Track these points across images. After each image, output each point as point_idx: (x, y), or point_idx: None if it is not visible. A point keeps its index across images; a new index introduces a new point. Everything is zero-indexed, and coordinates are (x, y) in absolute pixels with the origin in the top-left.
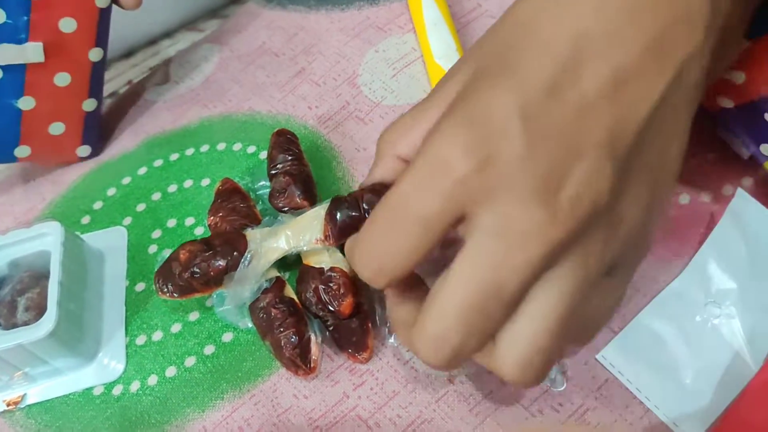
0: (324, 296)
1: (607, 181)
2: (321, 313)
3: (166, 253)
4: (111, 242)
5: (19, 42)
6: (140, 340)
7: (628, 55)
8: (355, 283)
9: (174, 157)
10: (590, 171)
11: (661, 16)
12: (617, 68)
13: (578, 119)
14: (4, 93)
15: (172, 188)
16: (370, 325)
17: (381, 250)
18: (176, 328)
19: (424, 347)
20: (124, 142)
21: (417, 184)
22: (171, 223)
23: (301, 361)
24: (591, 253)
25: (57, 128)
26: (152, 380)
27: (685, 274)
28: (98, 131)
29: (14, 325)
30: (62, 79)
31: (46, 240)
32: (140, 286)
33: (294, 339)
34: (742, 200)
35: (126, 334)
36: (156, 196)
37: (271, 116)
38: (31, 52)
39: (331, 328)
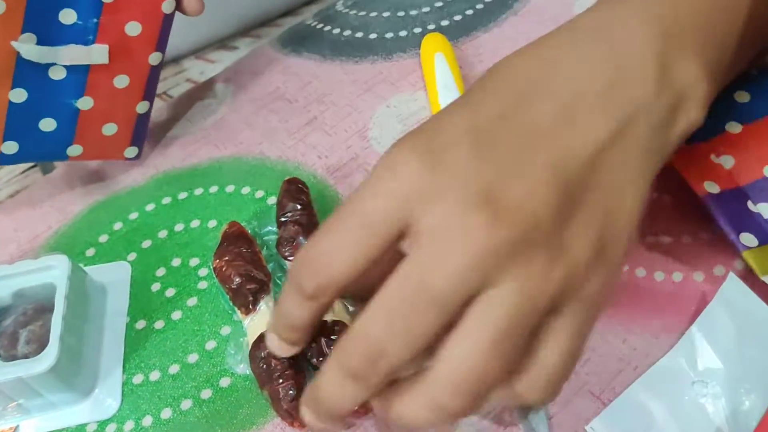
0: (326, 349)
1: (550, 196)
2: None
3: (169, 292)
4: (114, 277)
5: (87, 43)
6: (137, 378)
7: (580, 96)
8: None
9: (182, 195)
10: (535, 184)
11: (611, 69)
12: (567, 105)
13: (527, 139)
14: (65, 92)
15: (179, 227)
16: None
17: (322, 250)
18: (174, 369)
19: (351, 345)
20: (134, 176)
21: (367, 186)
22: (176, 262)
23: (297, 413)
24: (531, 277)
25: (110, 129)
26: (147, 421)
27: (674, 350)
28: (146, 133)
29: (14, 357)
30: (121, 81)
31: (53, 273)
32: (141, 324)
33: (292, 392)
34: (733, 284)
35: (123, 371)
36: (162, 233)
37: (280, 162)
38: (97, 53)
39: None
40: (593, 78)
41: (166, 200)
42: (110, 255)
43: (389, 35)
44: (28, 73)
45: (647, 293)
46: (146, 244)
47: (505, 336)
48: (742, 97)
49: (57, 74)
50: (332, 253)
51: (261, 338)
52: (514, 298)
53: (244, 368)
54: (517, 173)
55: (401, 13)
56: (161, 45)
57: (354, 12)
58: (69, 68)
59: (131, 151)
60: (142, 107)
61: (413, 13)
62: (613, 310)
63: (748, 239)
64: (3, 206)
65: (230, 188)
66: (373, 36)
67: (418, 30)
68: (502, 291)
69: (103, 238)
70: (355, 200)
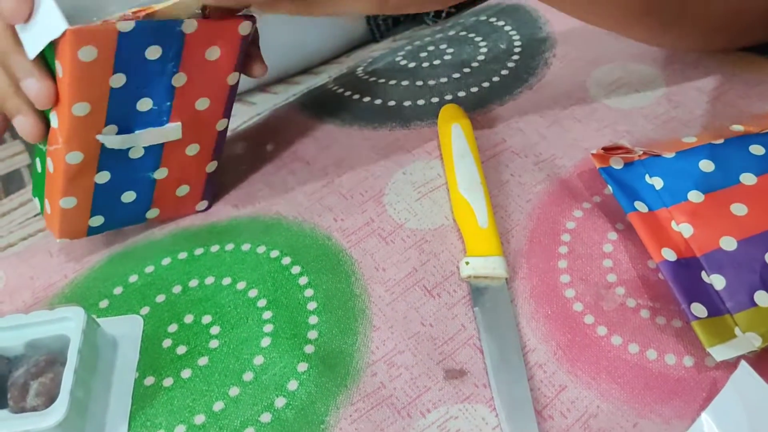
0: None
1: None
2: None
3: (180, 350)
4: (126, 330)
5: (161, 124)
6: None
7: None
8: None
9: (199, 251)
10: None
11: None
12: None
13: None
14: (143, 168)
15: (193, 283)
16: None
17: None
18: (180, 430)
19: None
20: (153, 230)
21: None
22: (188, 318)
23: None
24: None
25: (183, 190)
26: None
27: None
28: (215, 186)
29: (23, 409)
30: (192, 149)
31: (67, 324)
32: (149, 380)
33: None
34: (745, 373)
35: (129, 429)
36: (177, 288)
37: (296, 223)
38: (172, 131)
39: None
40: None
41: (182, 255)
42: (123, 308)
43: (407, 103)
44: (110, 158)
45: (658, 377)
46: (160, 298)
47: None
48: (707, 166)
49: (135, 154)
50: None
51: None
52: None
53: None
54: None
55: (419, 83)
56: (227, 111)
57: (373, 79)
58: (146, 147)
59: (202, 205)
60: (211, 167)
61: (431, 83)
62: (625, 393)
63: (698, 310)
64: (20, 253)
65: (246, 246)
66: (391, 103)
67: (435, 100)
68: None
69: (118, 290)
70: None
